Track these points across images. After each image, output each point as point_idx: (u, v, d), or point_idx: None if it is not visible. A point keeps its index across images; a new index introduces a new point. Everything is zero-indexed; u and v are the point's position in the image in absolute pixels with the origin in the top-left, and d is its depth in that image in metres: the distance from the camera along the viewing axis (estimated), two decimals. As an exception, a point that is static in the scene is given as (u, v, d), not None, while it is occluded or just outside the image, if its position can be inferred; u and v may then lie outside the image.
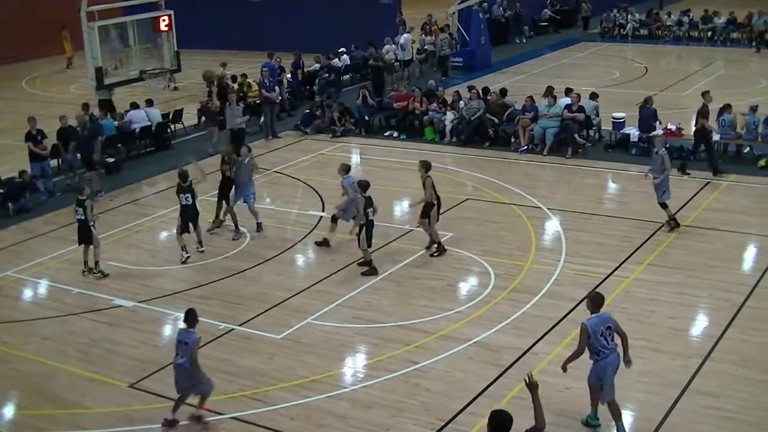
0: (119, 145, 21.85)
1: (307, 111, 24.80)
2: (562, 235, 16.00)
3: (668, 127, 20.84)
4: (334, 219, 15.74)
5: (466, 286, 14.29)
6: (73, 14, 24.90)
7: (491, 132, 22.10)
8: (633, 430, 10.06)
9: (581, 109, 21.14)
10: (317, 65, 28.65)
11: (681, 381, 11.04)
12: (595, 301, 9.85)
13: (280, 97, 25.02)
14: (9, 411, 11.25)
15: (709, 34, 36.74)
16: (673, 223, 15.93)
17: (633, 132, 21.05)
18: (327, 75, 28.17)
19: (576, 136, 20.91)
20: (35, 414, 11.01)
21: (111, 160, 21.10)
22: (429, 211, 15.09)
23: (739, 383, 10.98)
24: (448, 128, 22.64)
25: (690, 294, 13.56)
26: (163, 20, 26.68)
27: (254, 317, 13.27)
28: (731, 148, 20.46)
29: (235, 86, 25.62)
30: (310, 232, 16.42)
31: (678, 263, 14.62)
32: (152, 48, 27.71)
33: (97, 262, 14.92)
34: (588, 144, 21.25)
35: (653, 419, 10.25)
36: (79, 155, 19.42)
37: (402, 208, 17.81)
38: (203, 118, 24.68)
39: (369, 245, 14.62)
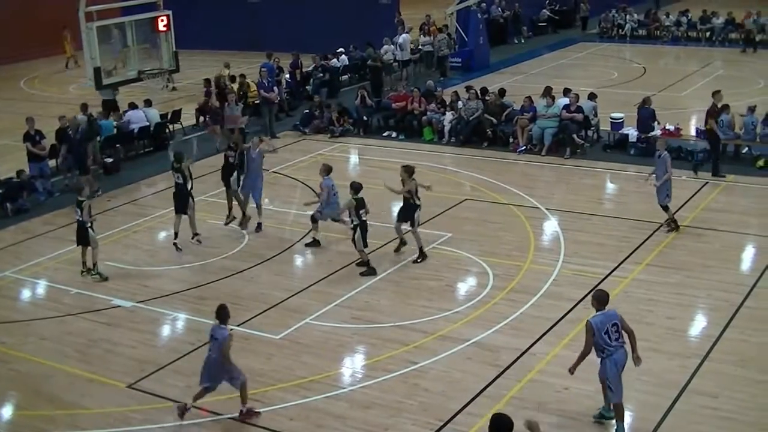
0: (117, 146, 21.84)
1: (306, 111, 24.79)
2: (561, 236, 16.00)
3: (667, 128, 20.86)
4: (313, 219, 15.75)
5: (465, 286, 14.28)
6: (74, 14, 24.81)
7: (490, 132, 22.09)
8: (631, 431, 10.04)
9: (580, 110, 21.13)
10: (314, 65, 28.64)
11: (679, 381, 11.03)
12: (599, 298, 9.86)
13: (278, 98, 24.98)
14: (7, 411, 11.23)
15: (708, 34, 36.80)
16: (672, 225, 15.93)
17: (631, 132, 21.06)
18: (321, 75, 28.13)
19: (574, 136, 20.90)
20: (34, 414, 10.99)
21: (109, 160, 21.10)
22: (413, 213, 14.93)
23: (738, 383, 10.98)
24: (446, 128, 22.63)
25: (688, 294, 13.56)
26: (162, 20, 26.61)
27: (253, 317, 13.25)
28: (730, 149, 20.45)
29: (234, 86, 25.61)
30: (308, 233, 16.41)
31: (676, 263, 14.61)
32: (150, 48, 27.63)
33: (95, 264, 14.84)
34: (586, 144, 21.25)
35: (652, 419, 10.24)
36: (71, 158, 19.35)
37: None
38: (202, 118, 24.68)
39: (365, 246, 14.62)
